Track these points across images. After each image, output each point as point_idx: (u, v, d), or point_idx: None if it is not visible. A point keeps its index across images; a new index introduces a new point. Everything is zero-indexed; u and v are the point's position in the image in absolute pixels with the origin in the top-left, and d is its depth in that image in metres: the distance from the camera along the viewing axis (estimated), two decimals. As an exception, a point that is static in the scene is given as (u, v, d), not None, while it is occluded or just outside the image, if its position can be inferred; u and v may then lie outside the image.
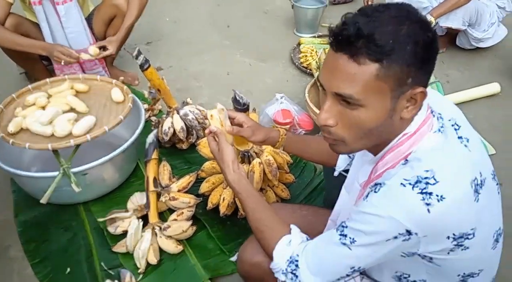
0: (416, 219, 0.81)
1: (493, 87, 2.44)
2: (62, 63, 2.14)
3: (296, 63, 2.70)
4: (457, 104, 1.04)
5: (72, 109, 1.81)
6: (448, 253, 0.87)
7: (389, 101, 0.82)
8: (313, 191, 1.90)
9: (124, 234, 1.65)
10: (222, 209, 1.69)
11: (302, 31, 3.05)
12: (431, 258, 0.90)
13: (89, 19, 2.40)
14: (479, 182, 0.86)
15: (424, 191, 0.80)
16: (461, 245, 0.86)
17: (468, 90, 2.44)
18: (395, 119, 0.85)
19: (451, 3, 2.43)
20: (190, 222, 1.67)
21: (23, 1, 2.24)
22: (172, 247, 1.62)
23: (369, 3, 2.89)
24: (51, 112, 1.71)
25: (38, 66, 2.39)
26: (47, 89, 1.92)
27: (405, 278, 1.00)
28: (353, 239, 0.88)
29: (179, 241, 1.66)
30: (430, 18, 2.40)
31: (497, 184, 0.96)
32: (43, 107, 1.79)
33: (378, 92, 0.81)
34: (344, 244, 0.90)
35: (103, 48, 2.22)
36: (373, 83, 0.80)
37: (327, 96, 0.86)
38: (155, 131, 1.70)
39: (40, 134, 1.66)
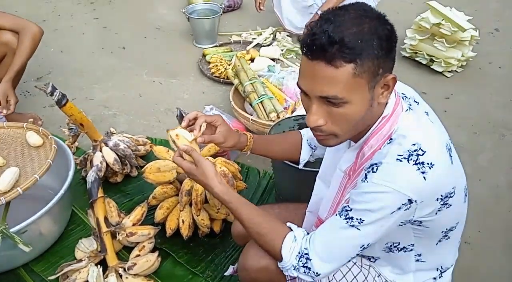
0: (417, 187, 0.90)
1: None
2: None
3: (208, 74, 2.71)
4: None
5: (-15, 165, 1.59)
6: (436, 213, 0.98)
7: (367, 92, 0.90)
8: (263, 192, 1.94)
9: (84, 287, 1.50)
10: (185, 232, 1.64)
11: (202, 42, 3.06)
12: (420, 222, 1.00)
13: None
14: (449, 147, 0.99)
15: (417, 161, 0.90)
16: (446, 204, 0.97)
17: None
18: (374, 105, 0.94)
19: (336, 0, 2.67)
20: (156, 253, 1.58)
21: None
22: (142, 284, 1.52)
23: (261, 7, 3.02)
24: (-36, 173, 1.48)
25: None
26: None
27: (395, 246, 1.09)
28: (360, 219, 0.94)
29: (147, 277, 1.56)
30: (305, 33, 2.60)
31: (455, 147, 1.10)
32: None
33: (358, 88, 0.89)
34: (353, 225, 0.95)
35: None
36: (352, 81, 0.87)
37: (312, 100, 0.92)
38: (94, 168, 1.57)
39: (-43, 200, 1.43)
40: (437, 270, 1.15)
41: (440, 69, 2.79)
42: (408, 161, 0.90)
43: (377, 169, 0.92)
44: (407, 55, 2.94)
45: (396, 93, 1.00)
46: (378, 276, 1.16)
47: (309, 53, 0.88)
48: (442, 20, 2.68)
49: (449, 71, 2.81)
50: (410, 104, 1.00)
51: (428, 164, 0.90)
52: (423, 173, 0.89)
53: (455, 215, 1.05)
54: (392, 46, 0.91)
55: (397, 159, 0.91)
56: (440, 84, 2.75)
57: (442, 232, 1.06)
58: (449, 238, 1.08)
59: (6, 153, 1.67)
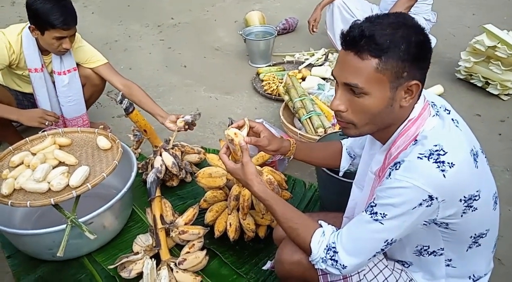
0: (436, 184, 0.95)
1: (438, 89, 2.75)
2: (47, 124, 2.10)
3: (260, 91, 2.86)
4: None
5: (61, 163, 1.80)
6: (461, 215, 1.02)
7: (388, 91, 0.99)
8: (308, 203, 2.02)
9: (138, 277, 1.65)
10: (231, 234, 1.75)
11: (257, 62, 3.23)
12: (447, 224, 1.04)
13: None
14: (475, 152, 1.03)
15: (437, 160, 0.96)
16: (471, 206, 1.01)
17: (417, 94, 2.73)
18: (395, 107, 1.01)
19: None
20: (204, 251, 1.70)
21: (10, 66, 2.18)
22: (190, 279, 1.64)
23: (314, 30, 3.15)
24: (43, 168, 1.69)
25: (10, 130, 2.34)
26: (28, 148, 1.90)
27: (425, 250, 1.13)
28: (383, 213, 1.00)
29: (195, 273, 1.68)
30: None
31: (485, 157, 1.13)
32: (30, 166, 1.77)
33: (378, 83, 0.97)
34: (376, 220, 1.02)
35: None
36: (374, 75, 0.96)
37: (339, 86, 1.03)
38: (154, 170, 1.74)
39: (36, 192, 1.64)
40: (470, 278, 1.17)
41: (496, 92, 2.74)
42: (428, 159, 0.96)
43: (399, 166, 0.99)
44: (461, 77, 2.91)
45: (426, 100, 1.07)
46: (410, 281, 1.19)
47: (343, 43, 1.00)
48: (498, 43, 2.65)
49: (505, 94, 2.75)
50: (438, 111, 1.06)
51: (448, 163, 0.95)
52: (442, 170, 0.95)
53: (484, 221, 1.07)
54: (420, 54, 0.98)
55: (418, 157, 0.97)
56: (495, 107, 2.70)
57: (471, 237, 1.09)
58: (479, 245, 1.10)
59: (78, 154, 1.88)
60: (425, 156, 0.96)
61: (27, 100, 2.36)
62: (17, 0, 4.78)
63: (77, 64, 2.30)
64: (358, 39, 0.96)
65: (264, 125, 1.36)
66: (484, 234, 1.10)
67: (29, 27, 2.07)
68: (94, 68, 2.33)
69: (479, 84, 2.82)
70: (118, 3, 4.64)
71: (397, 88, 0.99)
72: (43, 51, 2.19)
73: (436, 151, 0.96)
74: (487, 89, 2.79)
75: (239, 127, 1.33)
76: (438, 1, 3.20)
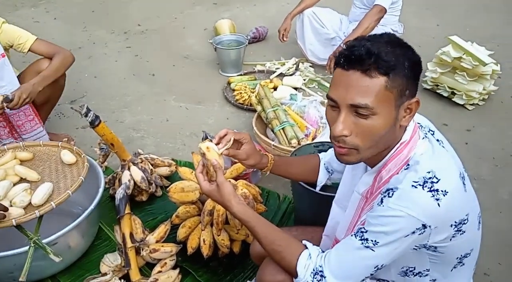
0: (430, 213, 0.94)
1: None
2: None
3: (232, 101, 2.82)
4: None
5: (22, 180, 1.70)
6: (450, 239, 1.01)
7: (393, 110, 0.96)
8: (283, 216, 1.99)
9: (107, 300, 1.56)
10: (205, 251, 1.69)
11: (227, 71, 3.19)
12: (435, 248, 1.03)
13: None
14: (463, 175, 1.03)
15: (431, 188, 0.94)
16: (460, 230, 1.01)
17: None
18: (397, 127, 0.99)
19: (359, 32, 2.76)
20: (177, 270, 1.63)
21: None
22: (163, 300, 1.57)
23: (284, 39, 3.15)
24: (4, 186, 1.58)
25: None
26: (-14, 163, 1.78)
27: (410, 271, 1.12)
28: (375, 241, 0.98)
29: (168, 293, 1.61)
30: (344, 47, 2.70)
31: (468, 176, 1.13)
32: (-12, 183, 1.65)
33: (386, 101, 0.94)
34: (367, 247, 0.99)
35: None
36: (383, 93, 0.93)
37: (341, 109, 0.97)
38: (123, 185, 1.65)
39: (-5, 211, 1.52)
40: (451, 296, 1.16)
41: (461, 102, 2.82)
42: (423, 187, 0.94)
43: (392, 194, 0.97)
44: (428, 87, 2.98)
45: (414, 121, 1.06)
46: (393, 300, 1.18)
47: (345, 63, 0.95)
48: (463, 54, 2.73)
49: (470, 104, 2.83)
50: (426, 133, 1.06)
51: (442, 191, 0.94)
52: (437, 199, 0.93)
53: (469, 242, 1.07)
54: (418, 73, 0.98)
55: (413, 185, 0.95)
56: (461, 117, 2.77)
57: (457, 258, 1.08)
58: (464, 264, 1.10)
59: (41, 169, 1.77)
60: (419, 184, 0.95)
61: None
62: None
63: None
64: (365, 57, 0.92)
65: (250, 137, 1.30)
66: (468, 254, 1.10)
67: None
68: (31, 49, 2.17)
69: (445, 94, 2.90)
70: (82, 8, 4.49)
71: (399, 106, 0.97)
72: None
73: (430, 178, 0.95)
74: (453, 99, 2.86)
75: (220, 138, 1.26)
76: (402, 13, 3.26)
